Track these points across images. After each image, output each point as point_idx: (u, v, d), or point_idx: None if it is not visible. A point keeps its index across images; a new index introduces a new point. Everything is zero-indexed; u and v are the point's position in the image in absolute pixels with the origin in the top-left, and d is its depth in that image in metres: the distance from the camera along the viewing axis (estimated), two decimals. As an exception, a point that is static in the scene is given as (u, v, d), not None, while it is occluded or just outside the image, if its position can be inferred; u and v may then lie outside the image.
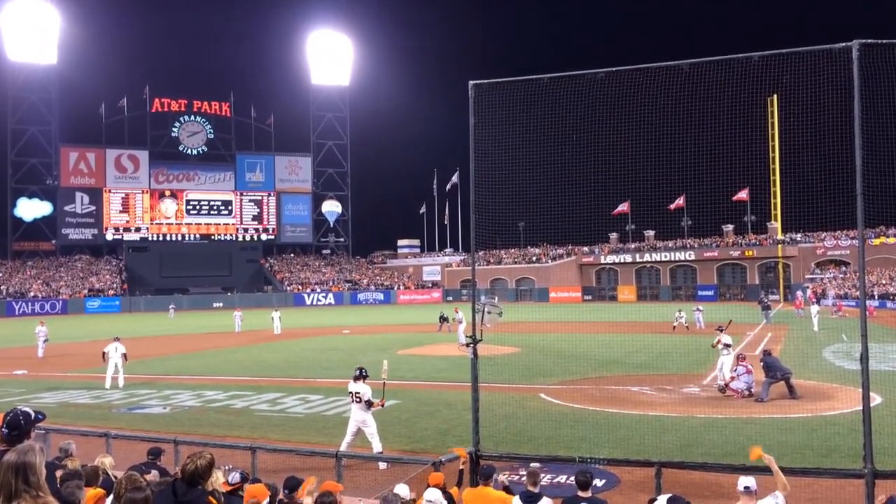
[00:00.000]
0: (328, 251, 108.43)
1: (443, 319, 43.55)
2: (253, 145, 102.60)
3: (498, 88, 11.78)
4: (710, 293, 76.83)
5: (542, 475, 9.57)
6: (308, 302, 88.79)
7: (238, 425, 17.19)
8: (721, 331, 22.47)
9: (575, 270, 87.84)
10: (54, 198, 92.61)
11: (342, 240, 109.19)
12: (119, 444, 12.97)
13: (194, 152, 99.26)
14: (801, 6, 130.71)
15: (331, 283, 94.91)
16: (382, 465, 13.04)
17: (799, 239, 77.15)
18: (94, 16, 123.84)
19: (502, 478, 8.70)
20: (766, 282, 77.19)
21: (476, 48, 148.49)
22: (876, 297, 59.54)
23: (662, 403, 18.70)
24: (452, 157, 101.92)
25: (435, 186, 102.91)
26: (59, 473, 6.06)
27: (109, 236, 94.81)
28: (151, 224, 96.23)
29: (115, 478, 7.03)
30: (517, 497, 8.02)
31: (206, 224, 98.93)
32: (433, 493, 7.58)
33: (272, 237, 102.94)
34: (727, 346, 21.59)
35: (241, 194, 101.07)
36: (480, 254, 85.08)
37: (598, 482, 11.42)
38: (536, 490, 8.04)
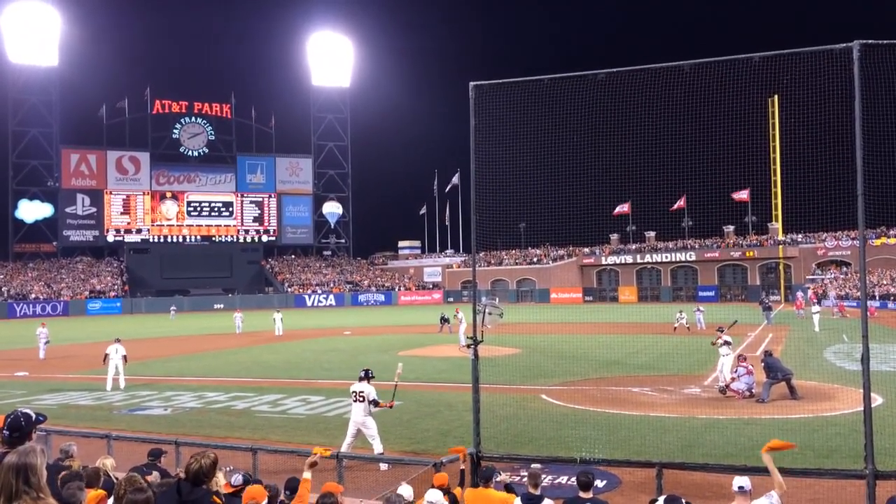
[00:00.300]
0: (329, 252, 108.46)
1: (443, 320, 43.54)
2: (254, 147, 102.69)
3: (498, 89, 11.78)
4: (711, 294, 76.82)
5: (543, 476, 9.56)
6: (309, 303, 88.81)
7: (239, 426, 17.19)
8: (721, 331, 22.47)
9: (576, 271, 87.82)
10: (55, 200, 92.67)
11: (343, 241, 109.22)
12: (120, 446, 12.97)
13: (195, 154, 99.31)
14: (801, 7, 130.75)
15: (332, 285, 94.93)
16: (383, 467, 13.04)
17: (800, 239, 77.11)
18: (95, 17, 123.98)
19: (503, 476, 8.68)
20: (766, 282, 77.16)
21: (476, 49, 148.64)
22: (877, 298, 59.52)
23: (663, 404, 18.69)
24: (453, 158, 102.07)
25: (435, 187, 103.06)
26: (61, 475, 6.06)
27: (110, 238, 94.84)
28: (152, 226, 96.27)
29: (117, 479, 7.03)
30: (518, 499, 8.01)
31: (206, 225, 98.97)
32: (434, 495, 7.57)
33: (273, 238, 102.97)
34: (727, 343, 21.59)
35: (242, 196, 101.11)
36: (481, 255, 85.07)
37: (599, 483, 11.41)
38: (538, 492, 8.03)
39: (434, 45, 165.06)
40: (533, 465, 9.78)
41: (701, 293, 76.72)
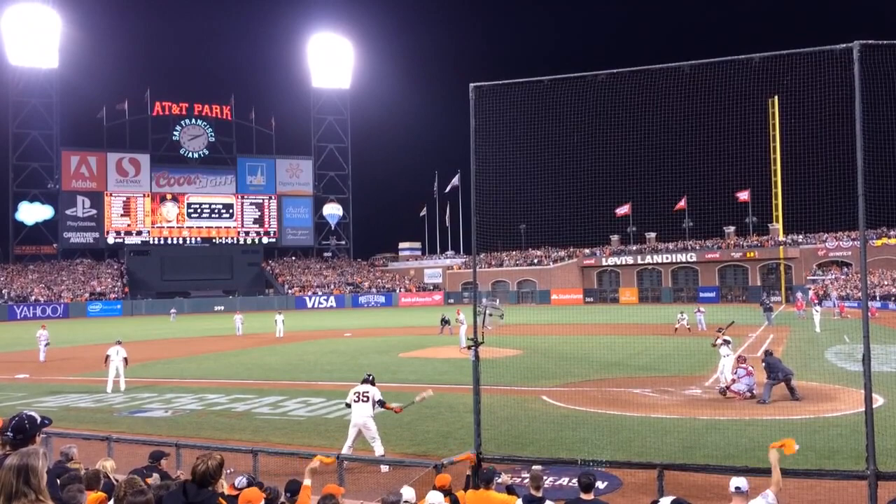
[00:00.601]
0: (329, 254, 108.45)
1: (444, 322, 43.52)
2: (254, 148, 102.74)
3: (499, 90, 11.77)
4: (712, 295, 76.78)
5: (545, 478, 9.54)
6: (309, 305, 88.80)
7: (240, 429, 17.17)
8: (721, 332, 22.48)
9: (576, 272, 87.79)
10: (55, 202, 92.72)
11: (343, 242, 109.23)
12: (121, 448, 12.97)
13: (195, 155, 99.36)
14: (801, 7, 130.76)
15: (332, 286, 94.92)
16: (384, 468, 13.03)
17: (800, 240, 77.08)
18: (96, 20, 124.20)
19: (504, 477, 8.67)
20: (767, 283, 77.11)
21: (476, 51, 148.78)
22: (877, 299, 59.49)
23: (664, 405, 18.67)
24: (453, 159, 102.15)
25: (436, 189, 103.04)
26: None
27: (111, 240, 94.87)
28: (153, 227, 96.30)
29: (117, 481, 7.02)
30: (520, 501, 8.00)
31: (207, 227, 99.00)
32: (435, 496, 7.56)
33: (273, 240, 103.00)
34: (727, 342, 21.59)
35: (243, 197, 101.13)
36: (482, 256, 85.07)
37: (600, 484, 11.40)
38: (539, 494, 8.02)
39: (434, 47, 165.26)
40: (534, 467, 9.77)
41: (702, 294, 76.69)
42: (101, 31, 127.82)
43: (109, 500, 6.26)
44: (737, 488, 7.19)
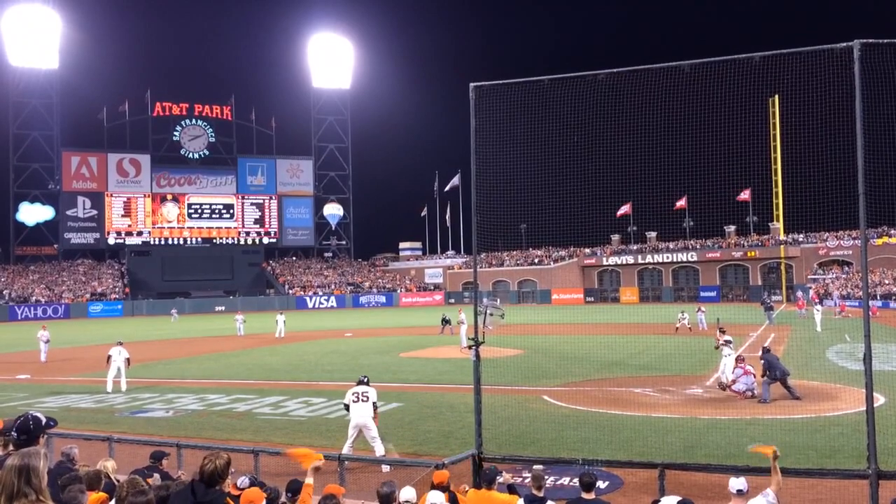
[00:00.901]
0: (330, 254, 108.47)
1: (445, 322, 43.51)
2: (254, 149, 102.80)
3: (499, 90, 11.76)
4: (713, 294, 76.76)
5: (546, 477, 9.54)
6: (310, 305, 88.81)
7: (241, 429, 17.18)
8: (723, 332, 22.50)
9: (577, 272, 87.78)
10: (56, 202, 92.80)
11: (344, 243, 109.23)
12: (122, 448, 12.97)
13: (196, 156, 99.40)
14: (802, 6, 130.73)
15: (333, 286, 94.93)
16: (385, 468, 13.02)
17: (801, 239, 77.06)
18: (96, 20, 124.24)
19: (506, 476, 8.67)
20: (768, 282, 77.08)
21: (476, 51, 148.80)
22: (878, 298, 59.46)
23: (665, 405, 18.67)
24: (453, 159, 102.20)
25: (436, 189, 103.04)
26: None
27: (111, 240, 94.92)
28: (153, 228, 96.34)
29: (118, 481, 7.02)
30: (521, 500, 8.00)
31: (207, 228, 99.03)
32: (436, 496, 7.56)
33: (274, 240, 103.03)
34: (728, 342, 21.61)
35: (243, 198, 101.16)
36: (482, 256, 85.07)
37: (601, 484, 11.40)
38: (541, 494, 8.02)
39: (434, 47, 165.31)
40: (535, 467, 9.77)
41: (702, 293, 76.67)
42: (102, 31, 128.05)
43: (111, 500, 6.27)
44: (738, 491, 7.20)
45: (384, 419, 16.61)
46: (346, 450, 13.27)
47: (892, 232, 68.84)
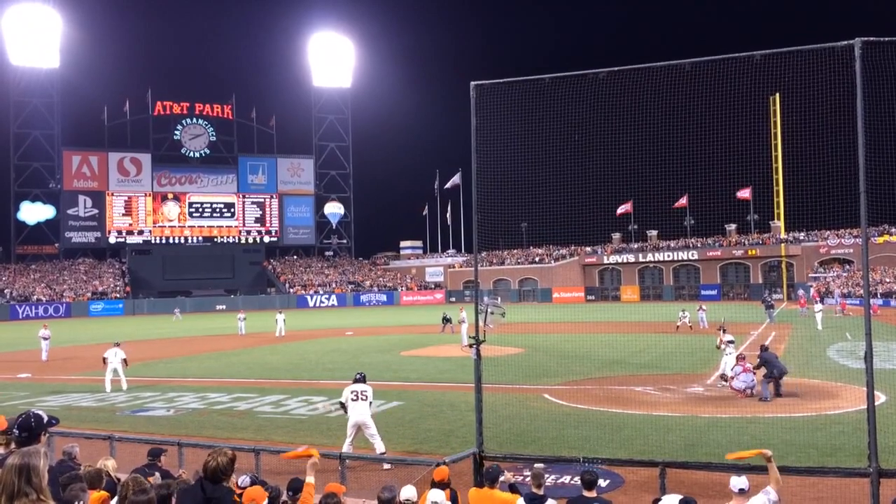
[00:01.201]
0: (331, 253, 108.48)
1: (446, 321, 43.52)
2: (255, 148, 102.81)
3: (499, 89, 11.76)
4: (714, 293, 76.73)
5: (547, 476, 9.55)
6: (311, 304, 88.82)
7: (242, 427, 17.19)
8: (724, 331, 22.49)
9: (578, 271, 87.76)
10: (57, 201, 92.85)
11: (345, 241, 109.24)
12: (123, 447, 12.98)
13: (196, 155, 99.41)
14: (802, 6, 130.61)
15: (334, 285, 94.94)
16: (386, 466, 13.03)
17: (802, 238, 77.03)
18: (97, 19, 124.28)
19: (508, 475, 8.67)
20: (769, 281, 77.06)
21: (477, 49, 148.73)
22: (879, 296, 59.43)
23: (666, 403, 18.67)
24: (454, 158, 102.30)
25: (437, 187, 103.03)
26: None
27: (112, 239, 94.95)
28: (154, 227, 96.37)
29: (118, 480, 7.03)
30: (521, 499, 7.99)
31: (208, 226, 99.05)
32: (437, 495, 7.56)
33: (275, 239, 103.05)
34: (730, 342, 21.63)
35: (244, 196, 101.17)
36: (483, 255, 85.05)
37: (602, 482, 11.39)
38: (541, 492, 8.02)
39: (434, 46, 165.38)
40: (536, 465, 9.76)
41: (703, 292, 76.64)
42: (102, 30, 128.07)
43: (112, 498, 6.27)
44: (740, 490, 7.19)
45: (385, 418, 16.65)
46: (346, 448, 13.28)
47: (893, 230, 68.80)
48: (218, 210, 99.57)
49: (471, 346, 11.92)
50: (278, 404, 20.16)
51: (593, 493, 7.75)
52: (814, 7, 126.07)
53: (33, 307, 76.84)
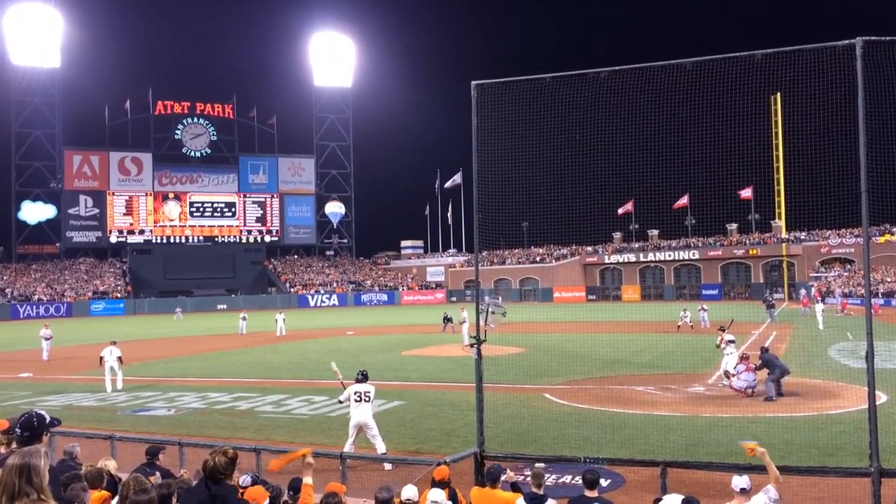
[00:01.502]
0: (332, 252, 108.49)
1: (447, 320, 43.51)
2: (256, 147, 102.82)
3: (500, 88, 11.75)
4: (715, 292, 76.67)
5: (548, 475, 9.55)
6: (312, 303, 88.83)
7: (243, 427, 17.19)
8: (723, 330, 22.47)
9: (579, 270, 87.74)
10: (58, 201, 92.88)
11: (346, 241, 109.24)
12: (124, 447, 12.98)
13: (197, 154, 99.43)
14: (802, 6, 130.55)
15: (334, 285, 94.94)
16: (388, 466, 13.03)
17: (803, 237, 77.00)
18: (97, 19, 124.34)
19: (510, 474, 8.67)
20: (770, 280, 77.01)
21: (478, 48, 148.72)
22: (880, 296, 59.39)
23: (667, 403, 18.66)
24: (455, 157, 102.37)
25: (438, 187, 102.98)
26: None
27: (113, 239, 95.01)
28: (155, 226, 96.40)
29: (119, 480, 7.03)
30: (521, 499, 7.99)
31: (209, 226, 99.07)
32: (437, 494, 7.56)
33: (276, 239, 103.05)
34: (731, 342, 21.62)
35: (245, 196, 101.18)
36: (484, 254, 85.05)
37: (603, 482, 11.38)
38: (541, 492, 8.02)
39: (435, 46, 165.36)
40: (536, 465, 9.77)
41: (704, 291, 76.59)
42: (103, 30, 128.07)
43: (113, 498, 6.27)
44: (742, 489, 7.19)
45: (386, 417, 16.65)
46: (347, 448, 13.28)
47: (895, 230, 68.76)
48: (219, 210, 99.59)
49: (472, 345, 11.92)
50: (279, 404, 20.17)
51: (595, 493, 7.75)
52: (814, 7, 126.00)
53: (34, 307, 76.87)
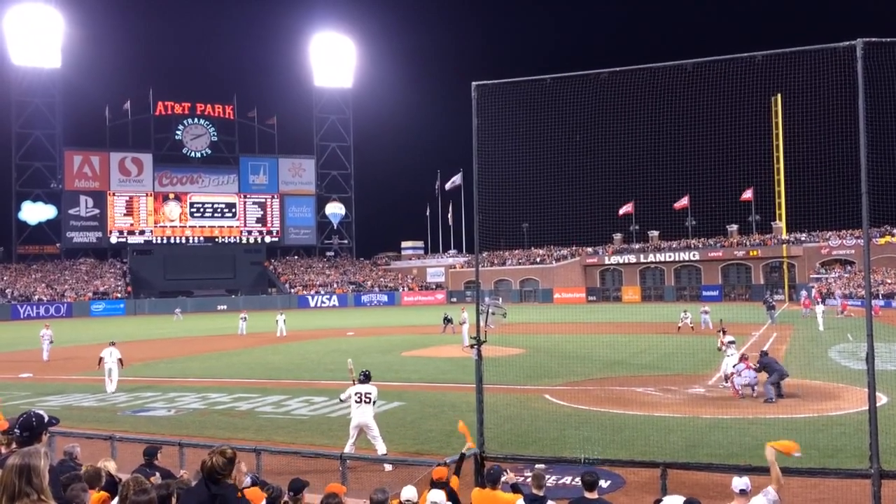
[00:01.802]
0: (332, 253, 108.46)
1: (447, 321, 43.50)
2: (256, 148, 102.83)
3: (501, 89, 11.75)
4: (715, 293, 76.62)
5: (548, 476, 9.54)
6: (312, 304, 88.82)
7: (243, 427, 17.19)
8: (724, 332, 22.48)
9: (579, 271, 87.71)
10: (59, 201, 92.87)
11: (346, 242, 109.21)
12: (124, 447, 12.98)
13: (198, 155, 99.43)
14: (802, 7, 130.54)
15: (335, 285, 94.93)
16: (388, 467, 13.03)
17: (804, 238, 76.96)
18: (98, 19, 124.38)
19: (510, 475, 8.67)
20: (770, 282, 76.98)
21: (479, 49, 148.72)
22: (881, 297, 59.37)
23: (667, 404, 18.65)
24: (455, 158, 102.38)
25: (438, 187, 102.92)
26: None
27: (114, 239, 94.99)
28: (155, 227, 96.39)
29: (119, 480, 7.03)
30: (521, 500, 7.99)
31: (209, 227, 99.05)
32: (437, 495, 7.55)
33: (276, 239, 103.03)
34: (731, 343, 21.63)
35: (245, 196, 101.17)
36: (484, 255, 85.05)
37: (603, 483, 11.38)
38: (541, 493, 8.02)
39: (435, 46, 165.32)
40: (536, 466, 9.76)
41: (705, 293, 76.54)
42: (104, 30, 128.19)
43: (112, 499, 6.27)
44: (741, 490, 7.19)
45: (386, 418, 16.65)
46: (348, 449, 13.29)
47: (895, 231, 68.73)
48: (219, 210, 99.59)
49: (472, 346, 11.92)
50: (279, 404, 20.17)
51: (595, 495, 7.74)
52: (814, 7, 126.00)
53: (34, 307, 76.87)
